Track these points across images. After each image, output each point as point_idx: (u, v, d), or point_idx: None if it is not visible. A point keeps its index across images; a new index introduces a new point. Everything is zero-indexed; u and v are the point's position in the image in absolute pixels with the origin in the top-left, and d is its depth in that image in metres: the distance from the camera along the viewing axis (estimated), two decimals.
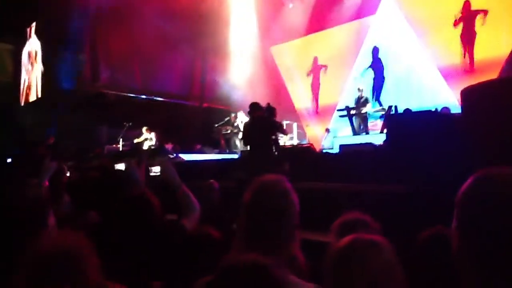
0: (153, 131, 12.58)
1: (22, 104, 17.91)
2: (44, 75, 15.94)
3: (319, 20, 14.04)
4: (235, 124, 12.74)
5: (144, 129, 12.61)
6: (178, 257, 2.02)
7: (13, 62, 19.08)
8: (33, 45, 17.66)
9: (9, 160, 12.45)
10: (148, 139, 12.58)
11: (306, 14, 14.36)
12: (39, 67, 16.84)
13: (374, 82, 12.42)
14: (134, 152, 11.44)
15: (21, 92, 18.23)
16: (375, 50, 12.56)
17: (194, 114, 14.18)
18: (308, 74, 14.76)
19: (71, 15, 13.62)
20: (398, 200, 3.77)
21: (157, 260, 1.99)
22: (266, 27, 15.21)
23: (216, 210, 3.71)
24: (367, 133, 10.72)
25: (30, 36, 17.87)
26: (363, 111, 10.87)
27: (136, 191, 2.35)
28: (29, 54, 17.84)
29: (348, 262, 1.27)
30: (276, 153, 7.01)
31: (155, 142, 12.50)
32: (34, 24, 17.29)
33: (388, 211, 3.17)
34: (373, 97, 12.06)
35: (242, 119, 12.37)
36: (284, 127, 10.32)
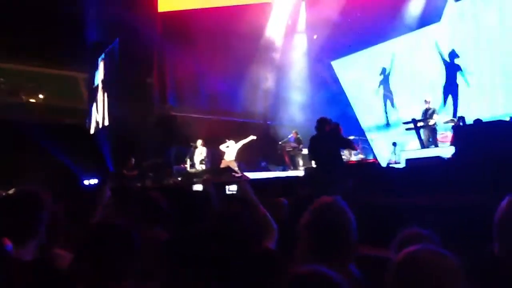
0: (206, 146, 12.90)
1: (93, 131, 19.03)
2: (113, 102, 16.90)
3: (381, 31, 13.81)
4: (299, 141, 12.80)
5: (199, 142, 12.95)
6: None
7: (87, 90, 20.48)
8: (101, 74, 18.89)
9: (86, 182, 13.27)
10: (201, 153, 12.90)
11: (367, 25, 14.19)
12: (105, 95, 17.94)
13: (445, 89, 12.02)
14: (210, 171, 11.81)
15: (92, 119, 19.46)
16: (447, 54, 12.17)
17: (258, 132, 14.39)
18: (373, 86, 14.52)
19: (139, 41, 14.44)
20: (467, 214, 3.64)
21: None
22: (322, 43, 15.17)
23: (285, 228, 3.75)
24: (436, 145, 10.35)
25: (99, 66, 19.12)
26: (430, 123, 10.52)
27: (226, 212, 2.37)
28: (99, 83, 19.08)
29: (412, 272, 1.29)
30: (341, 169, 6.97)
31: (205, 156, 12.80)
32: (103, 54, 18.45)
33: (457, 225, 3.08)
34: (444, 104, 11.65)
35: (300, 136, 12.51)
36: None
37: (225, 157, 12.26)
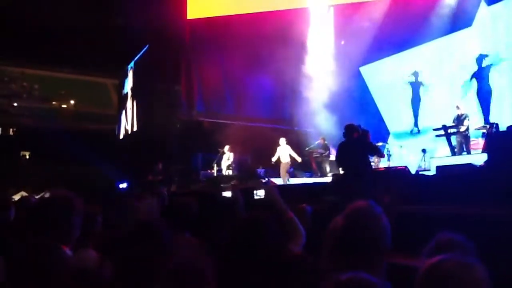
0: (232, 151, 12.94)
1: (121, 137, 19.35)
2: (141, 109, 17.18)
3: (410, 36, 13.61)
4: (326, 147, 12.73)
5: (226, 148, 12.99)
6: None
7: (117, 96, 20.89)
8: (130, 81, 19.23)
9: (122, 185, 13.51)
10: (228, 158, 12.95)
11: (395, 31, 14.01)
12: (134, 102, 18.25)
13: (478, 95, 11.76)
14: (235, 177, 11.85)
15: (122, 125, 19.81)
16: (480, 59, 11.90)
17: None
18: (403, 92, 14.30)
19: (168, 48, 14.66)
20: (499, 224, 3.53)
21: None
22: (350, 48, 15.06)
23: (308, 234, 3.74)
24: (469, 152, 10.09)
25: (129, 72, 19.47)
26: (462, 129, 10.27)
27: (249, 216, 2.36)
28: (129, 90, 19.42)
29: (439, 282, 1.27)
30: (369, 176, 6.87)
31: (232, 162, 12.83)
32: (132, 62, 18.80)
33: (488, 236, 2.99)
34: (483, 110, 11.40)
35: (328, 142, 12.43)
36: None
37: (281, 159, 12.19)
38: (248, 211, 3.33)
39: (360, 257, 1.68)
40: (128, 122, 18.94)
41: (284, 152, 12.16)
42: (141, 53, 17.50)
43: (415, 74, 14.04)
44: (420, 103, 13.81)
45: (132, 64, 18.98)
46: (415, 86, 14.04)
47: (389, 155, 11.98)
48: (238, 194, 3.72)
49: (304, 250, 2.48)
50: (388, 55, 14.51)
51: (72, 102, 20.03)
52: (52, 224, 2.04)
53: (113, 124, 20.29)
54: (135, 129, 17.96)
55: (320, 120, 14.25)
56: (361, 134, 7.34)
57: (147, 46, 16.78)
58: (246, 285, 1.96)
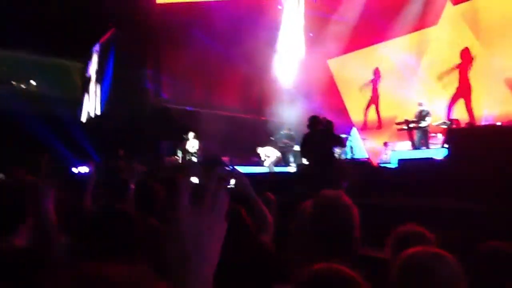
0: (198, 139, 12.87)
1: (84, 120, 18.88)
2: (105, 93, 16.77)
3: (378, 32, 13.83)
4: (291, 137, 12.84)
5: (191, 135, 12.89)
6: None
7: (81, 80, 20.29)
8: (95, 64, 18.72)
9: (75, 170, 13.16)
10: (193, 146, 12.86)
11: (363, 26, 14.21)
12: (98, 84, 17.81)
13: (443, 91, 12.09)
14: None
15: (84, 109, 19.31)
16: (448, 57, 12.12)
17: (251, 127, 14.36)
18: (365, 86, 14.55)
19: (135, 32, 14.32)
20: (460, 216, 3.68)
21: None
22: (319, 40, 15.17)
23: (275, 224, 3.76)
24: (428, 147, 10.42)
25: (93, 55, 18.95)
26: (423, 125, 10.59)
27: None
28: (93, 73, 18.93)
29: (415, 274, 1.30)
30: (335, 167, 6.98)
31: (197, 149, 12.77)
32: (97, 44, 18.29)
33: (451, 227, 3.11)
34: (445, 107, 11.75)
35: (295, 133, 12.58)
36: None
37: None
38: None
39: (330, 246, 1.64)
40: (91, 106, 18.48)
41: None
42: (107, 35, 17.03)
43: (377, 70, 14.30)
44: (383, 98, 14.08)
45: (97, 46, 18.47)
46: (379, 81, 14.30)
47: (352, 148, 12.19)
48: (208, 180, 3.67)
49: (272, 240, 2.49)
50: (355, 49, 14.72)
51: (33, 83, 19.32)
52: (7, 207, 2.00)
53: (76, 107, 19.72)
54: (98, 113, 17.54)
55: (287, 110, 14.31)
56: (326, 126, 7.45)
57: (113, 28, 16.33)
58: (217, 274, 1.92)
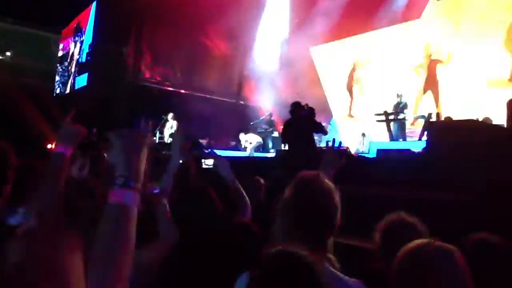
0: (176, 120, 12.74)
1: (55, 94, 18.42)
2: (84, 67, 16.36)
3: (362, 22, 13.85)
4: (271, 123, 12.85)
5: (170, 115, 12.76)
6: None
7: (59, 52, 19.76)
8: (76, 37, 18.25)
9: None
10: (171, 126, 12.75)
11: (348, 15, 14.21)
12: (76, 58, 17.38)
13: (421, 84, 12.26)
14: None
15: (59, 83, 18.84)
16: (430, 52, 12.33)
17: (230, 111, 14.29)
18: (348, 77, 14.61)
19: (118, 7, 13.97)
20: (440, 208, 3.74)
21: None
22: (303, 27, 15.12)
23: (261, 208, 3.74)
24: (404, 139, 10.56)
25: (74, 28, 18.44)
26: (400, 117, 10.71)
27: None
28: (72, 46, 18.44)
29: (421, 269, 1.28)
30: (313, 153, 7.01)
31: (175, 131, 12.65)
32: (79, 17, 17.81)
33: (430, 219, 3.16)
34: (425, 100, 11.94)
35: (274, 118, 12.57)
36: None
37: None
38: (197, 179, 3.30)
39: (312, 226, 1.60)
40: (69, 80, 18.02)
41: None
42: (90, 9, 16.56)
43: (358, 60, 14.36)
44: (362, 88, 14.18)
45: (78, 19, 17.96)
46: (360, 72, 14.37)
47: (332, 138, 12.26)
48: (190, 160, 3.64)
49: (257, 224, 2.47)
50: (338, 38, 14.72)
51: (8, 54, 18.69)
52: None
53: (53, 80, 19.20)
54: (75, 87, 17.13)
55: (269, 96, 14.30)
56: (308, 112, 7.46)
57: (95, 1, 15.88)
58: (193, 255, 1.90)
